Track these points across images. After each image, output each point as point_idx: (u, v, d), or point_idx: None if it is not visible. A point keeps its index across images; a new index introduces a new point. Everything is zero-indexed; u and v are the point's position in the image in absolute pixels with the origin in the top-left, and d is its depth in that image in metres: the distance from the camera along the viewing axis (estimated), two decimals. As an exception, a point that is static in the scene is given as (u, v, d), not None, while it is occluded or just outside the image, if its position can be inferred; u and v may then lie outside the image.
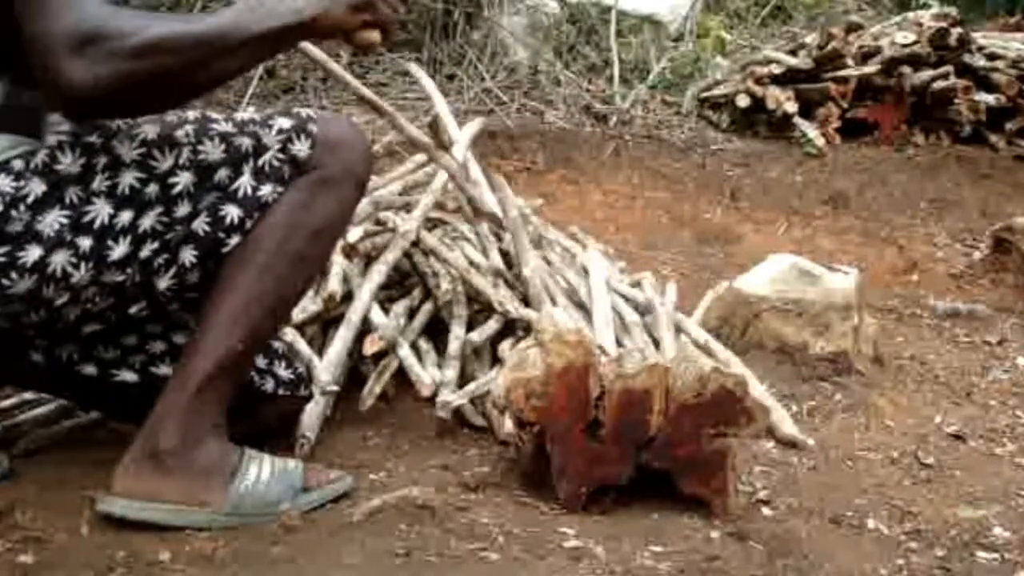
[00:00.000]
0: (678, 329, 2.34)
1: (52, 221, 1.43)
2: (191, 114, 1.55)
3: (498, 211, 2.44)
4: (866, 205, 4.35)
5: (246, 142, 1.54)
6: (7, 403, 1.90)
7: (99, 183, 1.46)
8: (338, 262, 2.18)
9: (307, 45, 2.26)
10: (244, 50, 1.42)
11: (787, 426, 2.07)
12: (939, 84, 4.84)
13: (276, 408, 1.76)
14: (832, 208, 4.30)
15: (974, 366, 2.69)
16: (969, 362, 2.72)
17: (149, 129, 1.50)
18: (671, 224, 3.99)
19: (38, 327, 1.53)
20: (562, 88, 4.93)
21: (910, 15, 5.39)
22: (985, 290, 3.50)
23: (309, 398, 1.81)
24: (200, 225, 1.51)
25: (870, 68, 4.88)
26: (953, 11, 5.25)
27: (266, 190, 1.53)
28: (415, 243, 2.27)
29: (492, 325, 2.13)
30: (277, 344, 1.78)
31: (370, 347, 2.03)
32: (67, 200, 1.45)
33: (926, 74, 4.86)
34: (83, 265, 1.45)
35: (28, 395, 1.90)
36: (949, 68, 4.87)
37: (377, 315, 2.10)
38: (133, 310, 1.56)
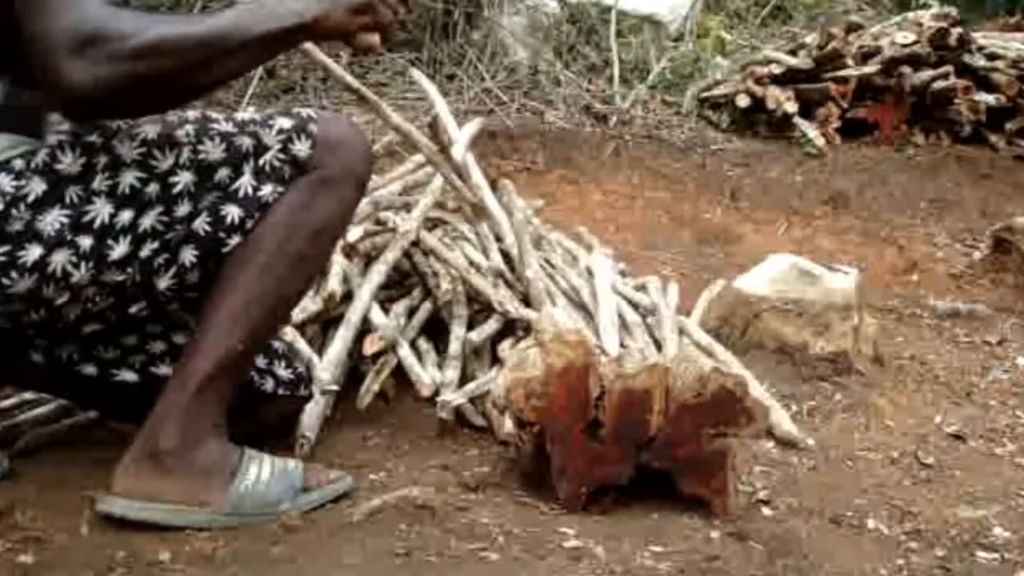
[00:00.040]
0: (681, 331, 2.34)
1: (52, 220, 1.44)
2: (191, 114, 1.55)
3: (497, 211, 2.44)
4: (866, 205, 4.35)
5: (247, 142, 1.54)
6: (7, 403, 1.91)
7: (99, 182, 1.46)
8: (338, 262, 2.18)
9: (307, 44, 2.26)
10: (244, 51, 1.42)
11: (787, 425, 2.07)
12: (939, 84, 4.84)
13: (276, 408, 1.76)
14: (832, 208, 4.30)
15: (974, 366, 2.69)
16: (969, 362, 2.72)
17: (149, 129, 1.50)
18: (671, 224, 3.98)
19: (38, 327, 1.53)
20: (562, 88, 4.93)
21: (910, 15, 5.39)
22: (985, 290, 3.50)
23: (309, 398, 1.81)
24: (200, 225, 1.51)
25: (870, 68, 4.88)
26: (953, 11, 5.24)
27: (266, 190, 1.53)
28: (415, 243, 2.27)
29: (492, 325, 2.13)
30: (277, 344, 1.78)
31: (370, 347, 2.03)
32: (67, 199, 1.45)
33: (926, 74, 4.86)
34: (83, 265, 1.45)
35: (28, 395, 1.91)
36: (949, 68, 4.87)
37: (377, 315, 2.10)
38: (133, 310, 1.56)
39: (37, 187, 1.43)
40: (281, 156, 1.55)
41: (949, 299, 3.31)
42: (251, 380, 1.69)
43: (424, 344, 2.13)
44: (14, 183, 1.43)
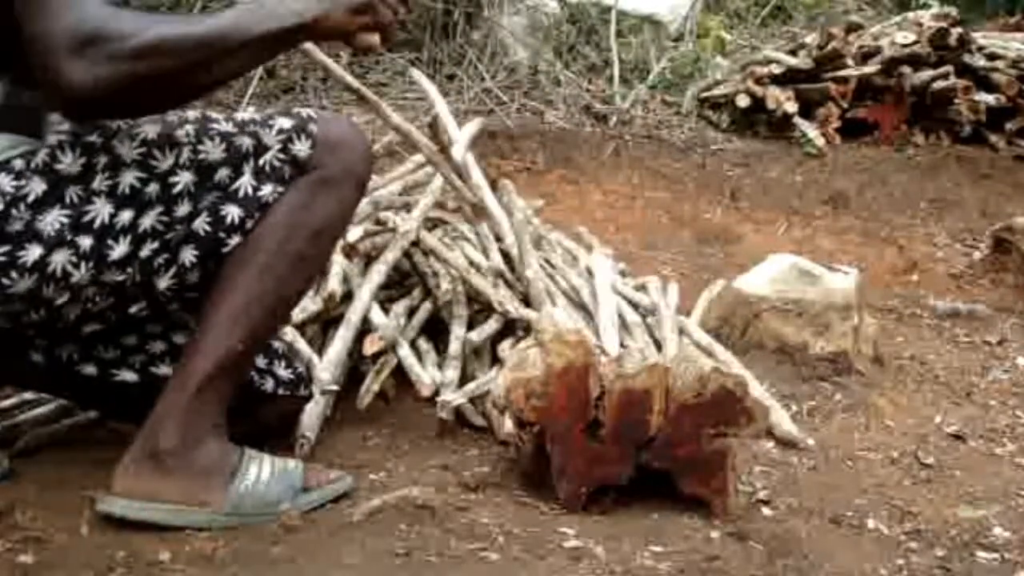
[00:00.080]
0: (681, 331, 2.34)
1: (52, 220, 1.44)
2: (191, 114, 1.55)
3: (497, 211, 2.44)
4: (866, 205, 4.34)
5: (247, 142, 1.54)
6: (7, 403, 1.91)
7: (99, 182, 1.46)
8: (338, 262, 2.18)
9: (307, 44, 2.26)
10: (244, 52, 1.42)
11: (787, 425, 2.07)
12: (939, 84, 4.84)
13: (276, 408, 1.76)
14: (832, 208, 4.30)
15: (974, 366, 2.69)
16: (969, 362, 2.72)
17: (149, 129, 1.50)
18: (671, 224, 3.98)
19: (38, 327, 1.53)
20: (562, 88, 4.93)
21: (910, 15, 5.39)
22: (985, 290, 3.50)
23: (309, 398, 1.81)
24: (200, 225, 1.51)
25: (870, 68, 4.88)
26: (953, 11, 5.24)
27: (267, 190, 1.53)
28: (415, 243, 2.27)
29: (492, 325, 2.13)
30: (277, 344, 1.78)
31: (370, 347, 2.03)
32: (67, 199, 1.45)
33: (926, 74, 4.86)
34: (83, 264, 1.45)
35: (28, 395, 1.91)
36: (949, 68, 4.87)
37: (377, 315, 2.10)
38: (133, 310, 1.56)
39: (37, 187, 1.43)
40: (281, 156, 1.55)
41: (949, 299, 3.30)
42: (251, 380, 1.69)
43: (424, 344, 2.13)
44: (14, 183, 1.43)
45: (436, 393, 1.96)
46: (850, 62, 4.92)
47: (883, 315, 3.00)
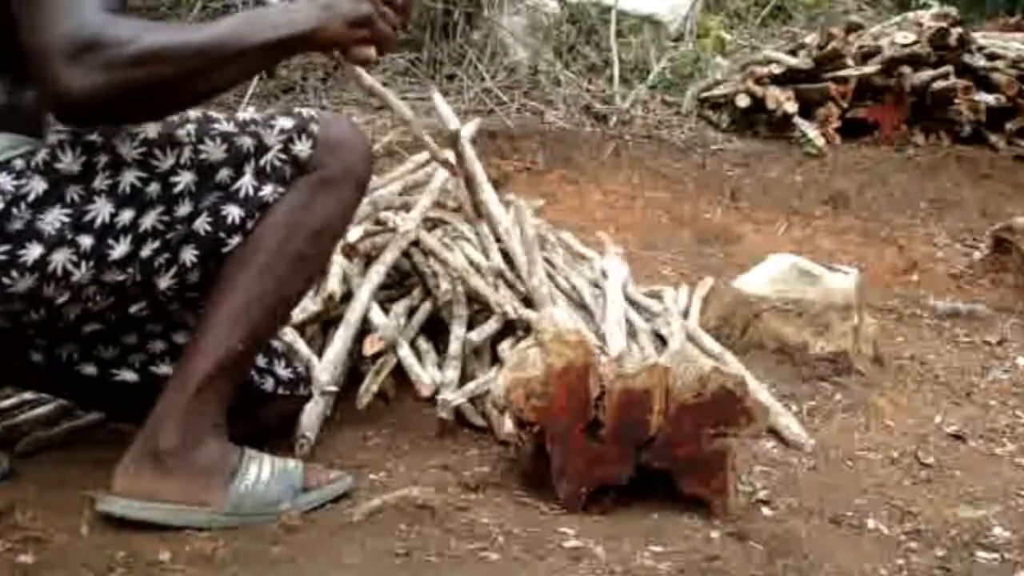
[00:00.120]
0: (691, 338, 2.34)
1: (53, 220, 1.44)
2: (192, 114, 1.55)
3: (497, 210, 2.45)
4: (866, 205, 4.34)
5: (248, 142, 1.54)
6: (7, 403, 1.91)
7: (100, 182, 1.46)
8: (338, 262, 2.18)
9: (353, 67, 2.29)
10: (242, 60, 1.42)
11: (796, 428, 2.07)
12: (939, 84, 4.84)
13: (276, 408, 1.76)
14: (832, 208, 4.30)
15: (974, 366, 2.69)
16: (969, 362, 2.72)
17: (150, 128, 1.50)
18: (671, 224, 3.98)
19: (38, 326, 1.53)
20: (562, 88, 4.93)
21: (910, 15, 5.38)
22: (985, 290, 3.49)
23: (309, 398, 1.81)
24: (201, 225, 1.51)
25: (870, 68, 4.88)
26: (953, 11, 5.24)
27: (267, 190, 1.54)
28: (415, 243, 2.27)
29: (492, 325, 2.13)
30: (277, 344, 1.78)
31: (370, 347, 2.03)
32: (68, 199, 1.45)
33: (926, 74, 4.86)
34: (84, 264, 1.45)
35: (28, 395, 1.91)
36: (949, 68, 4.87)
37: (377, 315, 2.10)
38: (133, 309, 1.56)
39: (38, 186, 1.43)
40: (282, 156, 1.55)
41: (949, 299, 3.30)
42: (251, 380, 1.69)
43: (424, 344, 2.13)
44: (15, 182, 1.43)
45: (436, 393, 1.96)
46: (850, 62, 4.91)
47: (883, 315, 3.00)
